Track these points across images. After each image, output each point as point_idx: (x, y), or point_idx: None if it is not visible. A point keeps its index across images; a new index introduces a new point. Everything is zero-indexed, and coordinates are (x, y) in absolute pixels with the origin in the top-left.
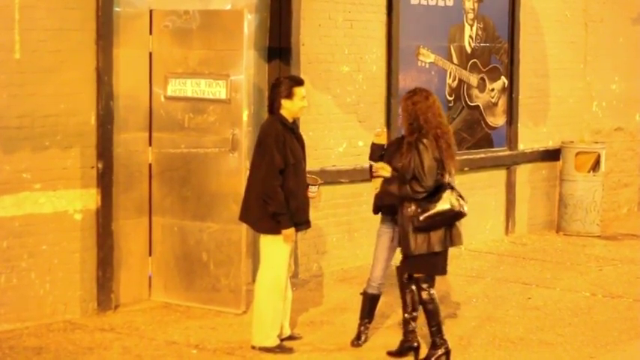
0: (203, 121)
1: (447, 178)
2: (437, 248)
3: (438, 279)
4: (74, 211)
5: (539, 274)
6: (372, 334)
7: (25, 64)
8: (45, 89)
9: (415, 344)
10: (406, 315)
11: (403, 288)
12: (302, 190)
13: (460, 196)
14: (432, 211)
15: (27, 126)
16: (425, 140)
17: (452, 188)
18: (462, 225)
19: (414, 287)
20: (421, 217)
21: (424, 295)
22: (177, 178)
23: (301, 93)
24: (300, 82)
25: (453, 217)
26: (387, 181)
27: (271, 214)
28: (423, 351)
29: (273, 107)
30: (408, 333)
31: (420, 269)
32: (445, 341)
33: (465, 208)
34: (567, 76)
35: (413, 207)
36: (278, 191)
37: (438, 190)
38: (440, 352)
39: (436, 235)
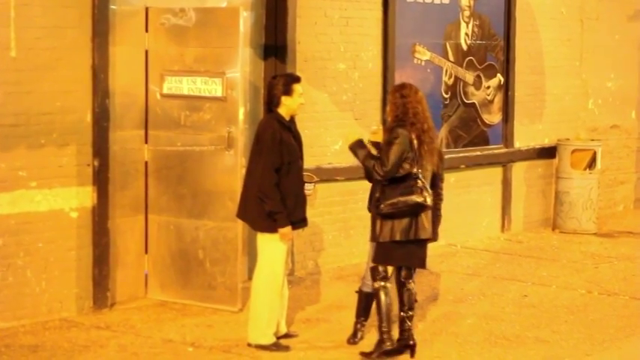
0: (199, 118)
1: (415, 170)
2: (398, 237)
3: (435, 277)
4: (70, 209)
5: (535, 272)
6: (368, 332)
7: (21, 62)
8: (41, 87)
9: (411, 342)
10: (402, 313)
11: (399, 287)
12: (299, 188)
13: (425, 188)
14: (394, 199)
15: (23, 124)
16: (399, 129)
17: (417, 179)
18: (449, 222)
19: (410, 286)
20: (383, 204)
21: (375, 284)
22: (174, 176)
23: (299, 90)
24: (297, 79)
25: (415, 206)
26: (368, 155)
27: (267, 212)
28: (421, 350)
29: (271, 105)
30: (404, 331)
31: (381, 259)
32: (391, 336)
33: (429, 200)
34: (563, 74)
35: (378, 193)
36: (274, 190)
37: (404, 179)
38: (384, 346)
39: (400, 224)
